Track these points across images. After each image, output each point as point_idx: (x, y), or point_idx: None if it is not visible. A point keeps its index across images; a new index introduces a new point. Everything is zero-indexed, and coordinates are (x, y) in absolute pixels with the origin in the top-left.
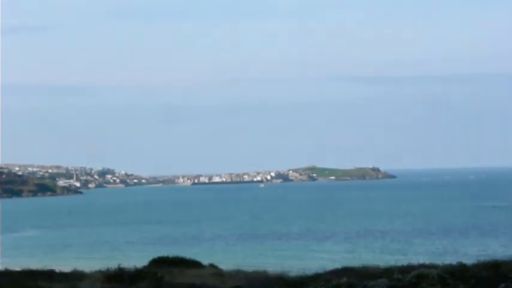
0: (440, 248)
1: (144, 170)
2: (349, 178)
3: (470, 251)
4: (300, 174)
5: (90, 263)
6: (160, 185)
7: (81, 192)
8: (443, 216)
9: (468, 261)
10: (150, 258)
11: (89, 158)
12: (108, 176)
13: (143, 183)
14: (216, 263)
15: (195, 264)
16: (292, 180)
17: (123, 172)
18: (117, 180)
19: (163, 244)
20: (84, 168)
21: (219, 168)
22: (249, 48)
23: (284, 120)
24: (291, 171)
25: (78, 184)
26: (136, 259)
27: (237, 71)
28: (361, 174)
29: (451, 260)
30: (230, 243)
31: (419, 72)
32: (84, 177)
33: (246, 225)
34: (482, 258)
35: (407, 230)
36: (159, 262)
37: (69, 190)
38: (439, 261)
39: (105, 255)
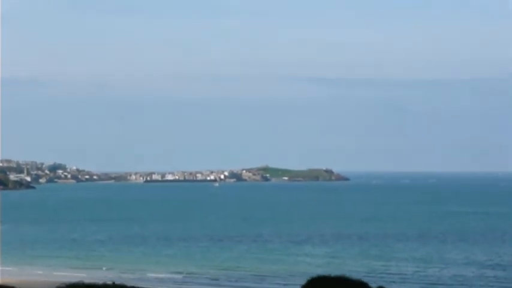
0: (424, 254)
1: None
2: (302, 179)
3: (456, 258)
4: (254, 174)
5: (75, 263)
6: (112, 181)
7: (33, 187)
8: (413, 221)
9: (459, 268)
10: (127, 258)
11: (39, 153)
12: (59, 171)
13: (95, 180)
14: (200, 266)
15: (361, 285)
16: (245, 180)
17: (74, 168)
18: (69, 176)
19: (135, 244)
20: (35, 162)
21: (171, 166)
22: (203, 45)
23: (238, 120)
24: (244, 171)
25: (28, 179)
26: (113, 260)
27: (193, 68)
28: (314, 175)
29: (440, 267)
30: (204, 245)
31: (376, 75)
32: (35, 172)
33: (213, 225)
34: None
35: (382, 234)
36: (319, 281)
37: (21, 184)
38: (428, 267)
39: (80, 255)
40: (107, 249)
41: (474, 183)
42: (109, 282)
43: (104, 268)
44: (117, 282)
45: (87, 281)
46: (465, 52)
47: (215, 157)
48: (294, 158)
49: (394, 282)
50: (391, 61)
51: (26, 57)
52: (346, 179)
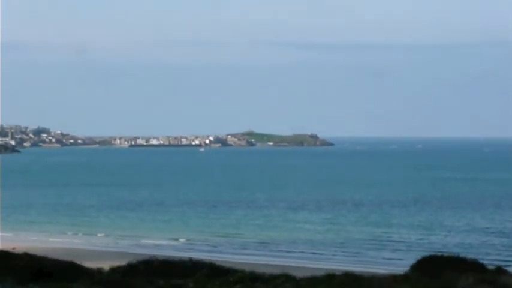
0: (423, 221)
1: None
2: (287, 144)
3: (457, 225)
4: (239, 139)
5: (71, 229)
6: (96, 146)
7: (18, 151)
8: (405, 187)
9: (462, 236)
10: (123, 224)
11: (23, 117)
12: (44, 135)
13: (79, 144)
14: (199, 232)
15: (476, 266)
16: (230, 145)
17: (58, 132)
18: (53, 140)
19: (129, 209)
20: (19, 126)
21: (156, 130)
22: (188, 10)
23: (222, 85)
24: (229, 136)
25: (13, 143)
26: (109, 225)
27: (176, 33)
28: (299, 140)
29: (443, 234)
30: (199, 210)
31: (361, 40)
32: (19, 136)
33: (205, 191)
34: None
35: (376, 200)
36: (431, 260)
37: (6, 148)
38: (430, 234)
39: (75, 220)
40: (101, 215)
41: (459, 149)
42: (185, 259)
43: (98, 234)
44: (118, 249)
45: (161, 257)
46: (447, 17)
47: (200, 122)
48: (279, 123)
49: (399, 250)
50: (375, 25)
51: (6, 21)
52: (331, 144)
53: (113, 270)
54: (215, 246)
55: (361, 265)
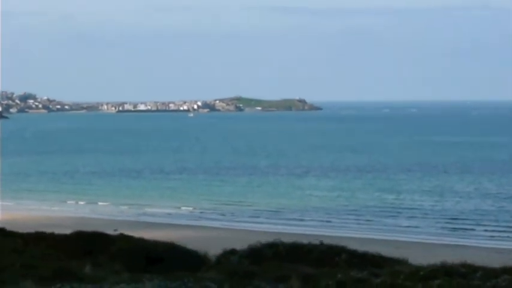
0: (432, 187)
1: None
2: (275, 109)
3: (468, 190)
4: (227, 104)
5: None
6: (83, 111)
7: (6, 117)
8: (405, 152)
9: (476, 202)
10: (128, 192)
11: (9, 82)
12: (30, 101)
13: (66, 110)
14: (208, 201)
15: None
16: (218, 110)
17: (45, 97)
18: (40, 106)
19: (131, 177)
20: (5, 92)
21: (143, 96)
22: None
23: (210, 50)
24: (217, 101)
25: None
26: (113, 194)
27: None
28: (288, 105)
29: (455, 200)
30: (202, 178)
31: (351, 5)
32: (6, 102)
33: (203, 157)
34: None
35: (379, 165)
36: None
37: None
38: (443, 201)
39: (77, 188)
40: (104, 182)
41: (450, 113)
42: (315, 242)
43: (103, 203)
44: (133, 218)
45: (286, 240)
46: None
47: (187, 87)
48: (267, 88)
49: (414, 217)
50: None
51: None
52: (319, 108)
53: (230, 254)
54: (224, 215)
55: (380, 233)
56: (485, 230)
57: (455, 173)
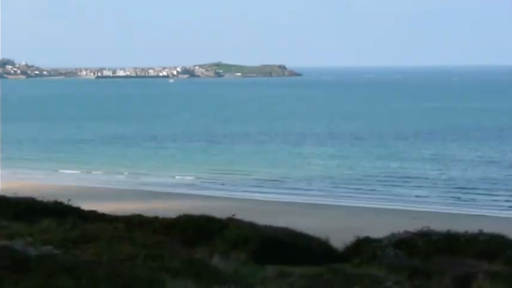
0: (433, 154)
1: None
2: (255, 75)
3: (471, 157)
4: (206, 70)
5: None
6: (62, 77)
7: None
8: (396, 118)
9: (482, 169)
10: (128, 160)
11: None
12: (9, 67)
13: (44, 75)
14: (208, 170)
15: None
16: (198, 76)
17: (23, 63)
18: (18, 72)
19: (125, 144)
20: None
21: (122, 61)
22: None
23: (189, 15)
24: (197, 67)
25: None
26: (111, 162)
27: None
28: (267, 71)
29: (461, 168)
30: (197, 145)
31: None
32: None
33: (194, 123)
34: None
35: (374, 133)
36: None
37: None
38: (448, 169)
39: (74, 157)
40: (98, 151)
41: (432, 79)
42: (473, 231)
43: (99, 171)
44: (134, 187)
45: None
46: None
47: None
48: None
49: (422, 186)
50: None
51: None
52: (299, 74)
53: (366, 243)
54: (235, 185)
55: (391, 203)
56: (500, 200)
57: (452, 140)
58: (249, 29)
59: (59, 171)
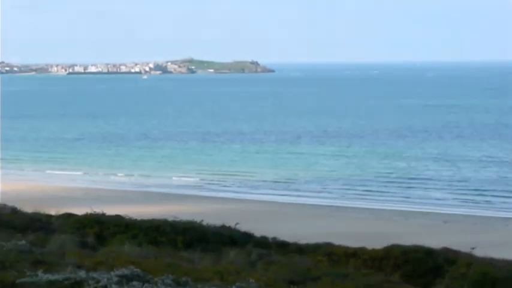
0: (438, 153)
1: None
2: (227, 71)
3: (477, 156)
4: (179, 66)
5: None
6: (33, 73)
7: None
8: (386, 116)
9: (496, 169)
10: (126, 160)
11: None
12: None
13: (15, 71)
14: (210, 171)
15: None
16: (171, 72)
17: None
18: None
19: (118, 144)
20: None
21: (94, 58)
22: None
23: (160, 10)
24: (169, 63)
25: None
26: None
27: None
28: (240, 67)
29: (472, 168)
30: (191, 144)
31: None
32: None
33: (181, 122)
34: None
35: (369, 130)
36: None
37: None
38: (460, 169)
39: (65, 156)
40: (93, 151)
41: (406, 74)
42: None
43: (100, 172)
44: (139, 189)
45: None
46: None
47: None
48: (219, 50)
49: (438, 188)
50: None
51: None
52: (272, 71)
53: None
54: (240, 186)
55: (414, 206)
56: None
57: (451, 138)
58: (221, 25)
59: (58, 172)
